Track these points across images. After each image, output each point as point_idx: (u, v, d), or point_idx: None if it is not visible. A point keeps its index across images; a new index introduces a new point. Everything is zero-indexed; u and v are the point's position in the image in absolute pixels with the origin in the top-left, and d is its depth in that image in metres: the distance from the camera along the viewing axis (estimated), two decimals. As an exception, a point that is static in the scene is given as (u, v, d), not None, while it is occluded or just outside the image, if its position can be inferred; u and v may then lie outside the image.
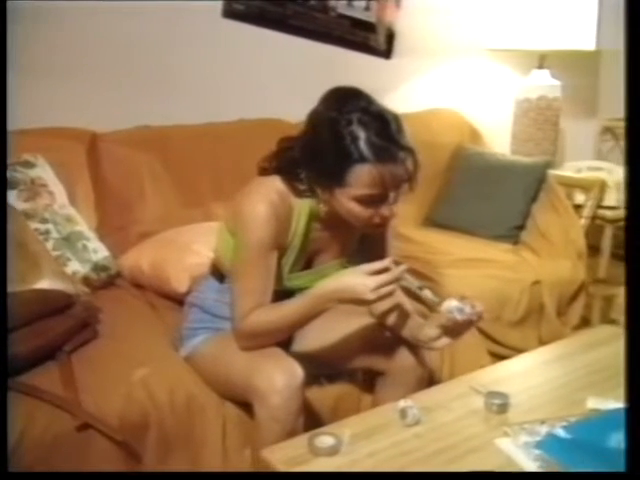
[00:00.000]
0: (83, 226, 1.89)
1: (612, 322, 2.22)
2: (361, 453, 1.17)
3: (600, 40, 2.77)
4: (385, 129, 1.27)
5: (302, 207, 1.42)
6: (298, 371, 1.36)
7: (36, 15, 1.98)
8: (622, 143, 3.45)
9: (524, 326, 2.21)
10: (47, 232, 1.77)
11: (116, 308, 1.75)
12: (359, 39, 2.69)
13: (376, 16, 2.70)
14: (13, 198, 1.75)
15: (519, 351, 2.15)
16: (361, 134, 1.26)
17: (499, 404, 1.29)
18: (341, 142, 1.26)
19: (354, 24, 2.66)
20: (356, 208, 1.31)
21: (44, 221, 1.79)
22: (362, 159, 1.26)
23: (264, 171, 1.46)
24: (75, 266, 1.79)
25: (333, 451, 1.16)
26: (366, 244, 1.56)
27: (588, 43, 2.72)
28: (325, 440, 1.18)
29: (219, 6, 2.36)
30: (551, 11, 2.69)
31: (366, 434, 1.22)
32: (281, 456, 1.16)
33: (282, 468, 1.13)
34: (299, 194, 1.40)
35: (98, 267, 1.86)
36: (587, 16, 2.71)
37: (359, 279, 1.27)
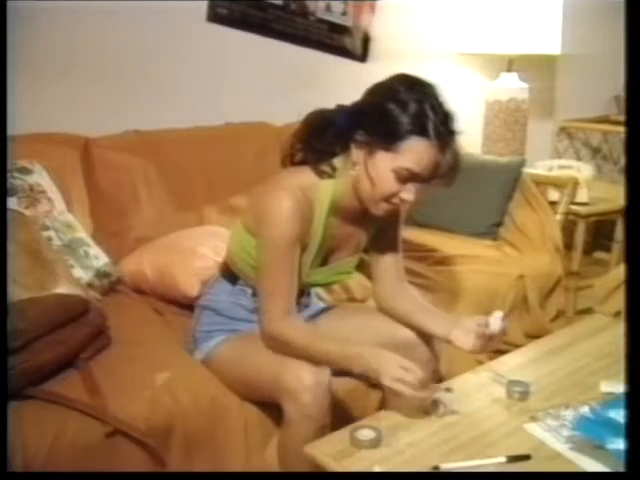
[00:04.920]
0: (83, 232, 1.87)
1: (590, 311, 2.34)
2: (402, 444, 1.21)
3: (563, 44, 2.92)
4: (448, 120, 1.33)
5: (322, 203, 1.44)
6: (324, 367, 1.39)
7: (25, 18, 1.94)
8: (576, 143, 3.64)
9: (510, 319, 2.30)
10: (49, 239, 1.74)
11: (122, 314, 1.73)
12: (336, 43, 2.74)
13: (353, 21, 2.76)
14: (14, 206, 1.71)
15: (505, 343, 2.26)
16: (430, 114, 1.30)
17: (521, 392, 1.36)
18: (408, 112, 1.30)
19: (332, 28, 2.71)
20: (389, 179, 1.34)
21: (45, 228, 1.76)
22: (424, 134, 1.30)
23: (290, 159, 1.47)
24: (78, 273, 1.77)
25: (375, 443, 1.20)
26: (378, 241, 1.61)
27: (554, 47, 2.86)
28: (366, 433, 1.21)
29: (205, 11, 2.37)
30: (518, 16, 2.80)
31: (402, 426, 1.26)
32: (326, 451, 1.19)
33: (330, 462, 1.16)
34: (322, 173, 1.42)
35: (100, 273, 1.84)
36: (552, 21, 2.84)
37: (390, 367, 1.30)
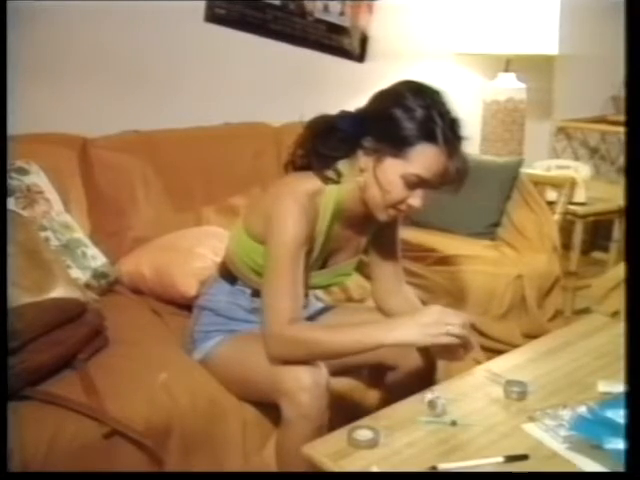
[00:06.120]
0: (80, 233, 1.87)
1: (587, 311, 2.34)
2: (400, 444, 1.20)
3: (560, 44, 2.92)
4: (456, 127, 1.34)
5: (326, 207, 1.44)
6: (322, 368, 1.39)
7: (25, 18, 1.94)
8: (574, 143, 3.64)
9: (507, 319, 2.31)
10: (46, 240, 1.74)
11: (119, 315, 1.73)
12: (334, 43, 2.74)
13: (350, 21, 2.76)
14: (11, 206, 1.71)
15: (503, 343, 2.27)
16: (438, 120, 1.30)
17: (518, 392, 1.35)
18: (416, 118, 1.30)
19: (330, 28, 2.71)
20: (398, 185, 1.33)
21: (43, 229, 1.76)
22: (433, 141, 1.30)
23: (292, 164, 1.48)
24: (76, 273, 1.77)
25: (373, 443, 1.19)
26: (376, 242, 1.61)
27: (551, 47, 2.86)
28: (364, 433, 1.21)
29: (203, 11, 2.37)
30: (516, 17, 2.81)
31: (400, 426, 1.26)
32: (324, 451, 1.18)
33: (327, 462, 1.16)
34: (327, 179, 1.42)
35: (98, 274, 1.84)
36: (549, 21, 2.85)
37: (426, 329, 1.28)
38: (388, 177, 1.34)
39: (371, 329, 1.34)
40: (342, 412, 1.61)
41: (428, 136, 1.30)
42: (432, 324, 1.27)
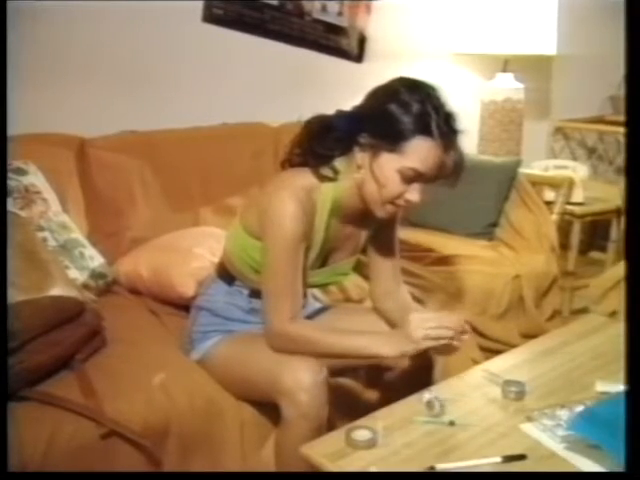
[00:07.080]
0: (78, 233, 1.87)
1: (585, 311, 2.35)
2: (398, 444, 1.21)
3: (558, 44, 2.93)
4: (451, 119, 1.34)
5: (324, 204, 1.44)
6: (322, 367, 1.39)
7: (25, 18, 1.94)
8: (572, 143, 3.64)
9: (505, 319, 2.31)
10: (44, 240, 1.74)
11: (117, 315, 1.73)
12: (332, 43, 2.74)
13: (349, 21, 2.76)
14: (9, 206, 1.71)
15: (501, 343, 2.27)
16: (432, 114, 1.31)
17: (516, 391, 1.36)
18: (411, 112, 1.31)
19: (328, 29, 2.71)
20: (395, 180, 1.34)
21: (40, 229, 1.76)
22: (428, 134, 1.30)
23: (289, 162, 1.48)
24: (74, 274, 1.77)
25: (371, 444, 1.20)
26: (375, 241, 1.61)
27: (549, 48, 2.87)
28: (362, 434, 1.21)
29: (201, 11, 2.37)
30: (514, 17, 2.81)
31: (398, 426, 1.26)
32: (322, 451, 1.19)
33: (326, 463, 1.16)
34: (323, 177, 1.42)
35: (95, 274, 1.84)
36: (547, 22, 2.85)
37: (413, 334, 1.33)
38: (384, 172, 1.35)
39: (367, 340, 1.38)
40: (340, 412, 1.62)
41: (423, 130, 1.31)
42: (414, 332, 1.31)
